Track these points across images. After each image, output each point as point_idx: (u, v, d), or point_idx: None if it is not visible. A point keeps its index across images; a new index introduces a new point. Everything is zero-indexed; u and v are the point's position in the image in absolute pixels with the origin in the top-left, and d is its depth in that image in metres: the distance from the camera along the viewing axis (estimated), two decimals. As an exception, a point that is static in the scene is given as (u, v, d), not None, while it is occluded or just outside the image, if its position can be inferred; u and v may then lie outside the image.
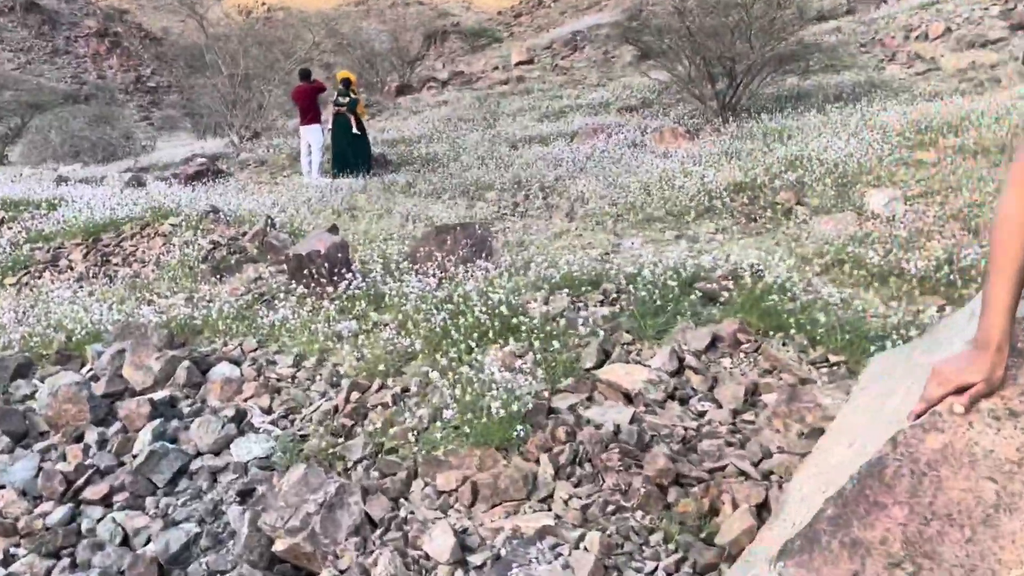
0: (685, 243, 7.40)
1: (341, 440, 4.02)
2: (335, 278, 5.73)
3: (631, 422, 3.43)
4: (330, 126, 13.69)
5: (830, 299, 4.53)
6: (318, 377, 4.81)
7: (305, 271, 5.95)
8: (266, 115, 20.66)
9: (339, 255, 5.92)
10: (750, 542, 2.49)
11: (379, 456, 3.77)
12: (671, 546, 2.69)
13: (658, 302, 4.85)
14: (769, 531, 2.34)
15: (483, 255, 6.04)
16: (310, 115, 13.74)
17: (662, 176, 10.05)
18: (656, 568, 2.58)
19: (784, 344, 4.41)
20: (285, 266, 6.38)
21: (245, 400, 4.73)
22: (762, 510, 2.76)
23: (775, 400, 3.42)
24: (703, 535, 2.71)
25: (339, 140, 13.45)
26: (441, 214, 9.66)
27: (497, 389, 3.60)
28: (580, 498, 3.02)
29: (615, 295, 5.24)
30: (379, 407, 4.15)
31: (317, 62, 27.18)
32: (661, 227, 8.11)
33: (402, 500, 3.36)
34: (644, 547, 2.69)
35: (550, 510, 3.03)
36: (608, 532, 2.76)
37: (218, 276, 7.51)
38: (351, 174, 12.88)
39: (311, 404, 4.52)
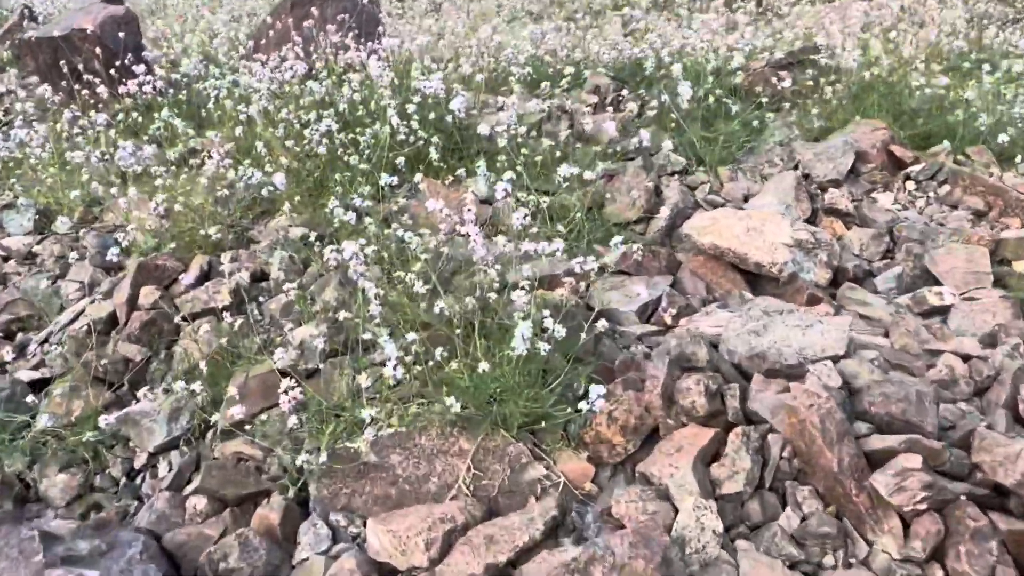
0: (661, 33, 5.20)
1: (119, 392, 1.80)
2: (116, 74, 3.22)
3: (845, 354, 1.39)
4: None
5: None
6: (77, 254, 2.45)
7: (64, 66, 3.38)
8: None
9: (121, 35, 3.38)
10: None
11: (208, 441, 1.59)
12: None
13: (704, 101, 2.74)
14: None
15: (373, 39, 3.66)
16: None
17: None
18: None
19: (957, 163, 2.47)
20: (33, 62, 3.75)
21: (-72, 304, 2.37)
22: None
23: None
24: None
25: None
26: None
27: (489, 271, 1.44)
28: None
29: (614, 94, 3.08)
30: (203, 318, 1.91)
31: None
32: (613, 16, 5.86)
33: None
34: None
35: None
36: None
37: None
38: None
39: (61, 311, 2.21)
